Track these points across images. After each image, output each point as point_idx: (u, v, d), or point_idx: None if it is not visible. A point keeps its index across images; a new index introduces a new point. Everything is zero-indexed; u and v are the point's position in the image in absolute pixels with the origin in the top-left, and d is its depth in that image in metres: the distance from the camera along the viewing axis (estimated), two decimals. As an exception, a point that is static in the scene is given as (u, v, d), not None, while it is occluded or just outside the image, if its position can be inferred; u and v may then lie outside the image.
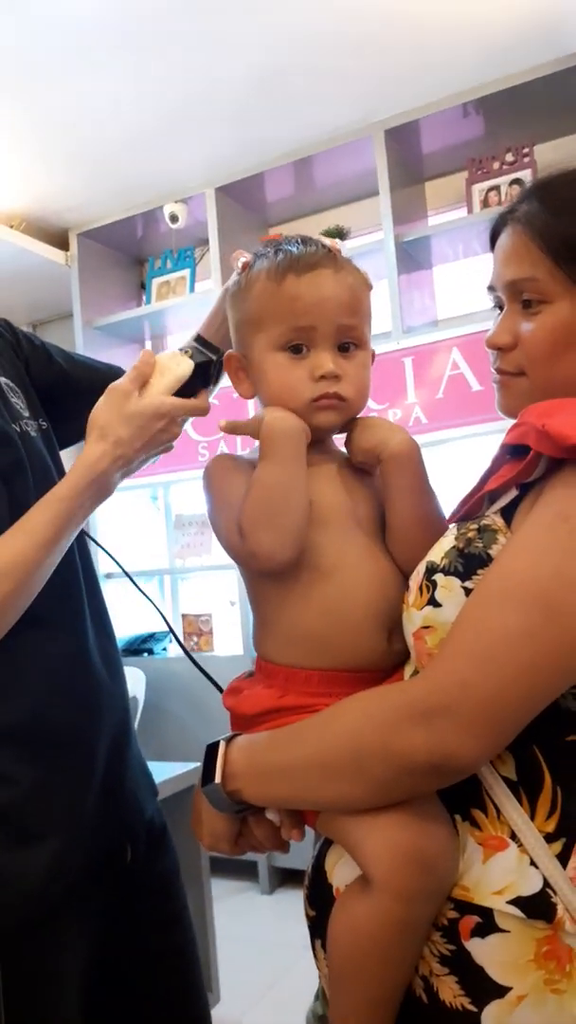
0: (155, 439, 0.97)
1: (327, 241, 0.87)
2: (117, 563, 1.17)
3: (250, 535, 0.80)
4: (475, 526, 0.75)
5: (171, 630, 1.17)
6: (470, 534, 0.75)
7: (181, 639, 3.38)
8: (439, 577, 0.73)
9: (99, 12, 2.31)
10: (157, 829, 1.15)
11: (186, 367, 0.99)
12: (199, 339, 1.02)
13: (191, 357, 0.99)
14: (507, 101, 2.80)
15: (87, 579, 1.08)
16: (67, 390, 1.15)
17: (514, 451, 0.74)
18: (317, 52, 2.57)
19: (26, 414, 1.04)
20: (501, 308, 0.84)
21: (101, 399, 0.96)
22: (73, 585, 1.04)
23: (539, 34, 2.55)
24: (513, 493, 0.74)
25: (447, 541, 0.77)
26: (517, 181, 2.92)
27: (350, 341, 0.85)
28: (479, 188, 2.98)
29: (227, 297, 0.91)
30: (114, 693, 1.07)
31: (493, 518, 0.75)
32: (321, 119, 2.96)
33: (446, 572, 0.74)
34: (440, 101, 2.86)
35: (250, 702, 0.83)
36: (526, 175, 2.91)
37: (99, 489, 0.96)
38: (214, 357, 0.99)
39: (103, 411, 0.95)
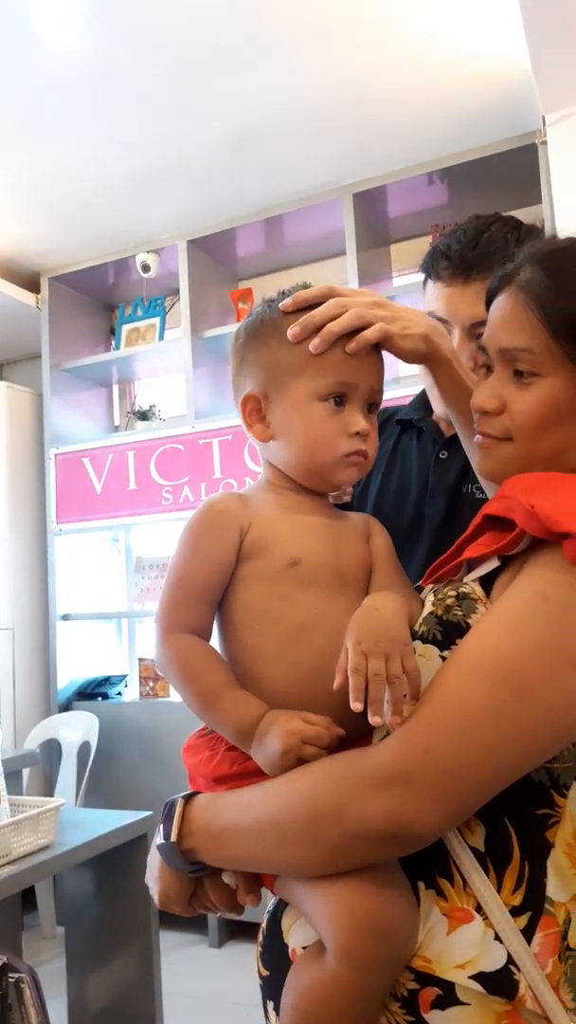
0: None
1: None
2: None
3: (156, 645, 0.83)
4: (454, 592, 0.74)
5: None
6: (448, 600, 0.74)
7: (138, 684, 3.35)
8: (417, 645, 0.72)
9: (79, 69, 2.39)
10: None
11: None
12: None
13: None
14: (470, 172, 2.94)
15: None
16: None
17: (494, 519, 0.74)
18: (290, 117, 2.67)
19: None
20: (488, 368, 0.82)
21: None
22: None
23: (499, 113, 2.70)
24: (494, 563, 0.73)
25: (425, 607, 0.76)
26: (478, 248, 3.06)
27: (374, 404, 0.86)
28: (442, 252, 3.11)
29: (249, 331, 0.87)
30: None
31: (472, 586, 0.74)
32: (292, 180, 3.07)
33: (424, 639, 0.73)
34: (406, 169, 2.99)
35: (211, 764, 0.80)
36: (487, 242, 3.05)
37: None
38: None
39: None
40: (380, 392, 0.86)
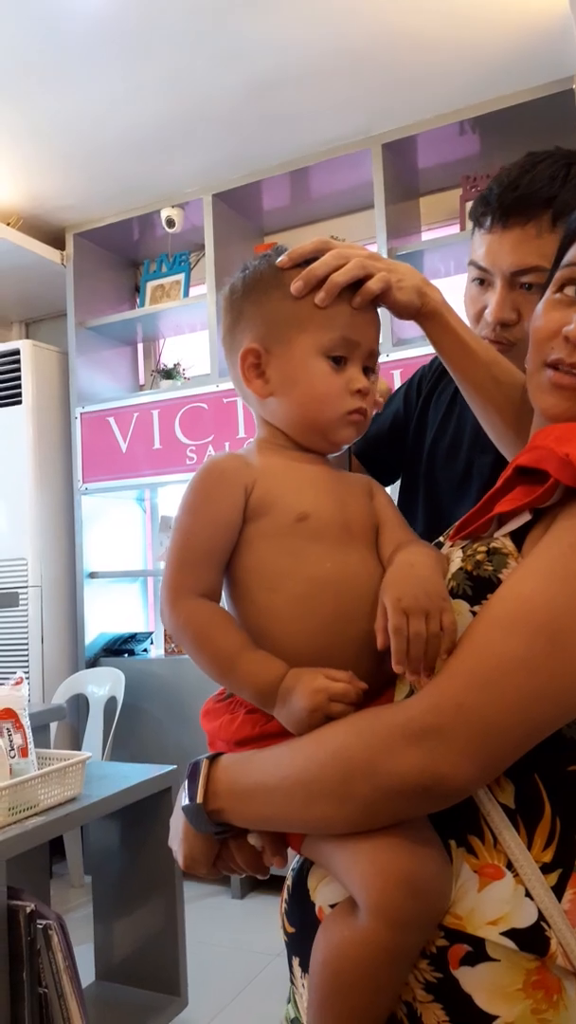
0: None
1: None
2: None
3: (165, 611, 0.80)
4: (484, 548, 0.73)
5: None
6: (479, 556, 0.72)
7: (163, 641, 3.39)
8: None
9: (100, 16, 2.33)
10: None
11: None
12: None
13: None
14: (502, 121, 2.84)
15: None
16: None
17: (524, 472, 0.72)
18: (317, 65, 2.60)
19: None
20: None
21: None
22: None
23: (534, 58, 2.60)
24: (525, 517, 0.72)
25: (454, 562, 0.75)
26: (511, 200, 2.97)
27: (370, 367, 0.85)
28: (473, 205, 3.02)
29: (247, 284, 0.85)
30: None
31: (503, 541, 0.72)
32: (319, 131, 2.99)
33: (454, 595, 0.72)
34: (437, 118, 2.90)
35: (231, 728, 0.79)
36: (520, 194, 2.96)
37: None
38: None
39: None
40: (377, 355, 0.85)
